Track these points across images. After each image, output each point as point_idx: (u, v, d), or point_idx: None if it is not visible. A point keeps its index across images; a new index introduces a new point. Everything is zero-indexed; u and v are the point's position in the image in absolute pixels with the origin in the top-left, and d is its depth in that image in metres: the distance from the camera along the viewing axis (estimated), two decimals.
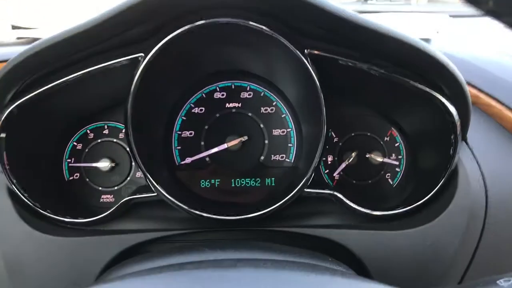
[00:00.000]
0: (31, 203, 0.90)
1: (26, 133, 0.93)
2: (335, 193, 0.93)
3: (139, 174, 1.08)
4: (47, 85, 0.84)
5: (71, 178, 1.08)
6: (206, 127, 1.07)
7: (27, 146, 0.94)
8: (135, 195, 0.93)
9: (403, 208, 0.92)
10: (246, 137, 1.06)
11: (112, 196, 1.08)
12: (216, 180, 1.08)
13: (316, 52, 0.82)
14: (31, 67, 0.82)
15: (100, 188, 1.08)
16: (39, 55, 0.78)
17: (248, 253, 0.65)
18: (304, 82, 0.86)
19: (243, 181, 1.08)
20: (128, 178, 1.08)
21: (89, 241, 0.90)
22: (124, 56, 0.83)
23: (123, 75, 0.85)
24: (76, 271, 0.87)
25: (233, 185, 1.08)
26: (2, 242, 0.88)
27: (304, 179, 0.89)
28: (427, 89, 0.82)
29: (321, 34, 0.81)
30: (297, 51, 0.80)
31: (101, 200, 1.08)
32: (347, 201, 0.92)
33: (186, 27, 0.79)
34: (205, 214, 0.89)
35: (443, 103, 0.83)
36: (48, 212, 0.92)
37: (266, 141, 1.08)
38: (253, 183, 1.08)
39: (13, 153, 0.90)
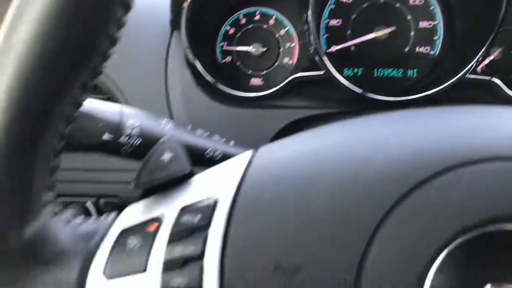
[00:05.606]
0: (210, 76, 0.99)
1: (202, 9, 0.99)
2: (494, 79, 0.96)
3: (286, 59, 1.13)
4: None
5: (223, 61, 1.15)
6: (354, 16, 1.10)
7: (201, 23, 1.01)
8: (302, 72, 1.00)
9: None
10: (394, 27, 1.08)
11: (261, 79, 1.15)
12: (359, 69, 1.13)
13: None
14: None
15: (249, 72, 1.15)
16: None
17: None
18: None
19: (386, 71, 1.12)
20: (276, 63, 1.14)
21: (260, 113, 0.99)
22: None
23: None
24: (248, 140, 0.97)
25: (375, 75, 1.12)
26: (187, 109, 0.98)
27: (472, 62, 0.92)
28: None
29: None
30: None
31: (250, 83, 1.15)
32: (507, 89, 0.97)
33: None
34: (371, 95, 0.95)
35: None
36: (220, 86, 1.00)
37: (412, 33, 1.10)
38: (395, 74, 1.12)
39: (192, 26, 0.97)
